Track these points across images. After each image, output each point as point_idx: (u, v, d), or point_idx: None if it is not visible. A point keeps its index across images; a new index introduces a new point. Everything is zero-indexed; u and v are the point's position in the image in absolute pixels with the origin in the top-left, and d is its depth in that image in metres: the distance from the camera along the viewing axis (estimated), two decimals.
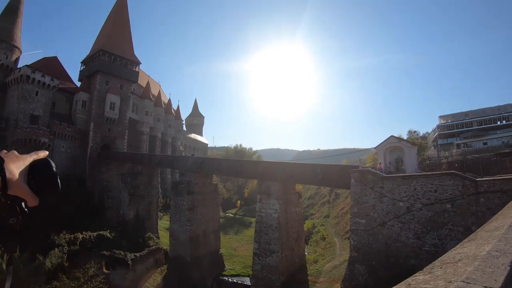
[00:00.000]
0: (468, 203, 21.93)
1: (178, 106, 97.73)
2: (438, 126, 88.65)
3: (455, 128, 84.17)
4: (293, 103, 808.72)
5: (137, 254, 40.75)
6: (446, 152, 68.67)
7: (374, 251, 24.74)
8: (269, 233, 33.48)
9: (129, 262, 38.90)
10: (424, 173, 28.06)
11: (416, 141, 65.23)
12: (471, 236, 5.60)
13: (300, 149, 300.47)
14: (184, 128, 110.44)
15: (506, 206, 11.53)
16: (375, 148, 35.46)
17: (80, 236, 41.38)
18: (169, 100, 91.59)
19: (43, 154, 1.49)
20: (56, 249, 37.19)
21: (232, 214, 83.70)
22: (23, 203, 1.36)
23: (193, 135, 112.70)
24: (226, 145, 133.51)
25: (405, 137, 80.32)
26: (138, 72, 70.18)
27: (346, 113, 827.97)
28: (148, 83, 77.79)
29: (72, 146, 58.83)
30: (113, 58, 65.15)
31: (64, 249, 38.21)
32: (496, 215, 9.03)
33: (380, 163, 32.95)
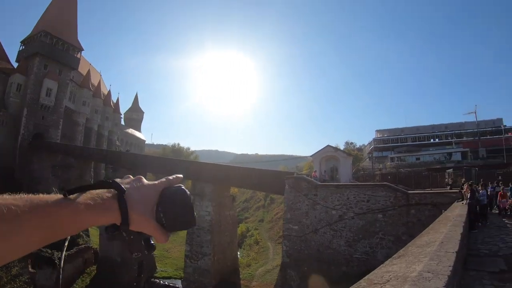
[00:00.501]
0: (399, 213, 22.45)
1: (118, 98, 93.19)
2: (374, 140, 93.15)
3: (391, 142, 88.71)
4: (235, 106, 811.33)
5: (65, 253, 37.86)
6: (380, 165, 71.22)
7: (306, 257, 24.66)
8: (202, 235, 32.61)
9: (56, 261, 35.63)
10: (358, 183, 28.64)
11: (352, 152, 67.15)
12: (401, 251, 5.24)
13: (239, 152, 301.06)
14: (123, 123, 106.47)
15: (437, 219, 11.60)
16: (311, 156, 35.94)
17: None
18: (109, 91, 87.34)
19: (176, 180, 1.15)
20: None
21: None
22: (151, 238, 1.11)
23: (130, 130, 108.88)
24: (164, 143, 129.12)
25: (342, 147, 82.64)
26: (79, 59, 66.50)
27: (285, 119, 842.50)
28: (88, 72, 73.65)
29: (2, 132, 54.39)
30: (54, 41, 61.13)
31: None
32: (427, 228, 8.90)
33: (315, 171, 33.30)
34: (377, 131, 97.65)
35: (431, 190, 28.54)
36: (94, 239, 46.37)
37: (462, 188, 18.97)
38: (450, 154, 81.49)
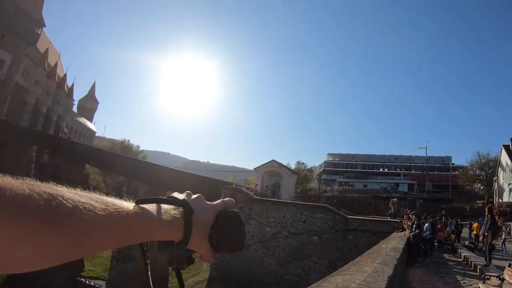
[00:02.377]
0: (335, 238, 21.48)
1: (73, 84, 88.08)
2: (325, 162, 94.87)
3: (341, 167, 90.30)
4: (195, 111, 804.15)
5: None
6: (328, 187, 71.29)
7: (235, 273, 23.10)
8: None
9: None
10: (298, 202, 27.47)
11: (301, 172, 66.82)
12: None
13: (190, 158, 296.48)
14: (75, 110, 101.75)
15: (367, 252, 10.39)
16: (254, 169, 34.35)
17: None
18: (65, 75, 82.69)
19: (231, 203, 1.14)
20: None
21: None
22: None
23: (82, 119, 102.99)
24: (117, 138, 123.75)
25: (293, 166, 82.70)
26: (39, 35, 62.60)
27: (240, 132, 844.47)
28: (47, 50, 69.23)
29: None
30: (17, 11, 57.14)
31: None
32: (350, 263, 7.64)
33: (256, 185, 32.00)
34: (329, 154, 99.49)
35: (373, 217, 27.98)
36: None
37: (409, 218, 17.71)
38: (397, 184, 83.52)
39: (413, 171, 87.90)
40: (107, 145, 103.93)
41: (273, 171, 31.99)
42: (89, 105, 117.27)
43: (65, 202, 0.65)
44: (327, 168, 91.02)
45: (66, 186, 0.71)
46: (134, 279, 28.86)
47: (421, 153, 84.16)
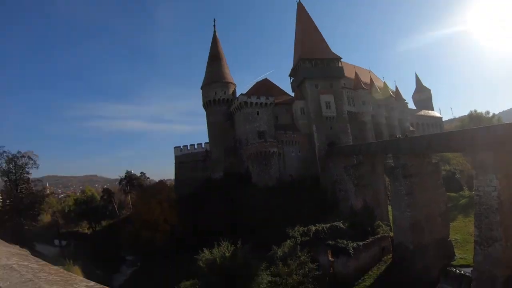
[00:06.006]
0: None
1: (396, 86, 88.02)
2: None
3: None
4: None
5: (360, 243, 38.61)
6: None
7: None
8: (490, 216, 25.64)
9: (351, 251, 37.46)
10: None
11: None
12: None
13: None
14: (413, 106, 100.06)
15: None
16: None
17: (313, 228, 41.90)
18: (384, 83, 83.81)
19: None
20: (288, 240, 38.82)
21: None
22: None
23: (423, 112, 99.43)
24: (466, 114, 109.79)
25: None
26: (342, 67, 67.15)
27: None
28: (356, 74, 73.21)
29: (301, 149, 61.97)
30: (314, 63, 64.81)
31: (297, 240, 39.35)
32: None
33: None
34: None
35: None
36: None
37: None
38: None
39: None
40: (457, 125, 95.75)
41: None
42: (423, 97, 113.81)
43: None
44: None
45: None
46: (500, 264, 24.19)
47: None
